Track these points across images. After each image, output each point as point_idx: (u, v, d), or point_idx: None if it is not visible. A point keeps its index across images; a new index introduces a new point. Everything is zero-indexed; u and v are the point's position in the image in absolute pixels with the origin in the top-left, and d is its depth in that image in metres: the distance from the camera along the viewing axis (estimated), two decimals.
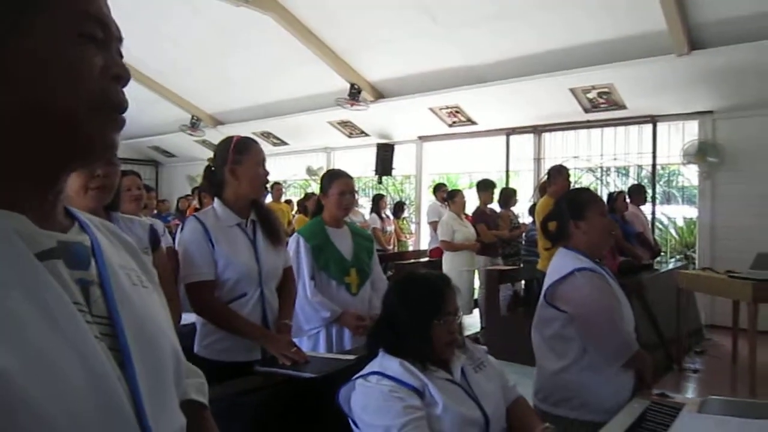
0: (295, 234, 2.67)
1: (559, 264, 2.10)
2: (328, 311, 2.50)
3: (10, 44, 0.54)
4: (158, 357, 0.65)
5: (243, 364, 2.01)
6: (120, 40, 0.64)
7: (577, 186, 6.49)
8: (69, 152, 0.59)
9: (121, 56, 0.64)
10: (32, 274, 0.53)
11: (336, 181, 2.67)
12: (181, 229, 2.29)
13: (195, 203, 7.87)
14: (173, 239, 3.66)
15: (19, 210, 0.56)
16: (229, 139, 2.19)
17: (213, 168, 2.21)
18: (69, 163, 0.61)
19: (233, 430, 1.63)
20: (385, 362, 1.55)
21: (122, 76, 0.62)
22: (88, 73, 0.58)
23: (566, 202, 2.20)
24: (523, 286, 6.40)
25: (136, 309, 0.64)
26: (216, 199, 2.18)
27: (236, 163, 2.11)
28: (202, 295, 2.05)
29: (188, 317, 2.31)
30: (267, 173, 2.20)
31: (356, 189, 2.91)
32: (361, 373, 1.56)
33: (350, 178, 2.75)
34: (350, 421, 1.56)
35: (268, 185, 2.31)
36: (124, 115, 0.63)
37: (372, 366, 1.56)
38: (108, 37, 0.61)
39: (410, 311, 1.59)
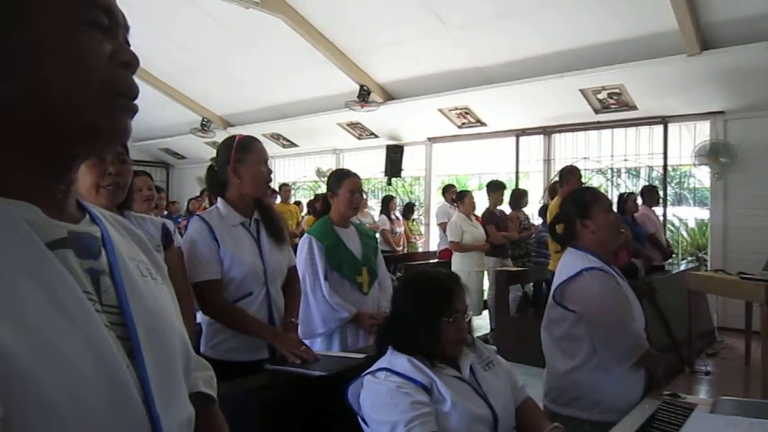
0: (306, 235, 2.67)
1: (567, 264, 2.09)
2: (346, 312, 2.52)
3: (12, 34, 0.54)
4: (167, 347, 0.65)
5: (250, 364, 2.02)
6: (127, 28, 0.64)
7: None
8: (81, 140, 0.59)
9: (129, 44, 0.63)
10: (42, 262, 0.54)
11: (346, 180, 2.68)
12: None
13: (205, 204, 7.91)
14: None
15: (30, 200, 0.56)
16: (231, 139, 2.20)
17: (216, 167, 2.21)
18: (81, 151, 0.61)
19: (242, 428, 1.63)
20: (394, 359, 1.55)
21: (131, 62, 0.61)
22: (95, 61, 0.58)
23: (571, 202, 2.19)
24: (531, 288, 6.37)
25: (146, 300, 0.64)
26: (219, 199, 2.18)
27: (239, 162, 2.12)
28: (210, 294, 2.05)
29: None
30: (270, 172, 2.20)
31: (365, 190, 2.92)
32: (369, 370, 1.56)
33: (358, 177, 2.76)
34: (359, 419, 1.56)
35: (277, 186, 2.31)
36: (134, 117, 0.63)
37: (380, 363, 1.56)
38: (114, 24, 0.61)
39: (419, 309, 1.60)
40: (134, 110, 0.62)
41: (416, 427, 1.38)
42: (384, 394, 1.47)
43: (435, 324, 1.57)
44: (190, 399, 0.70)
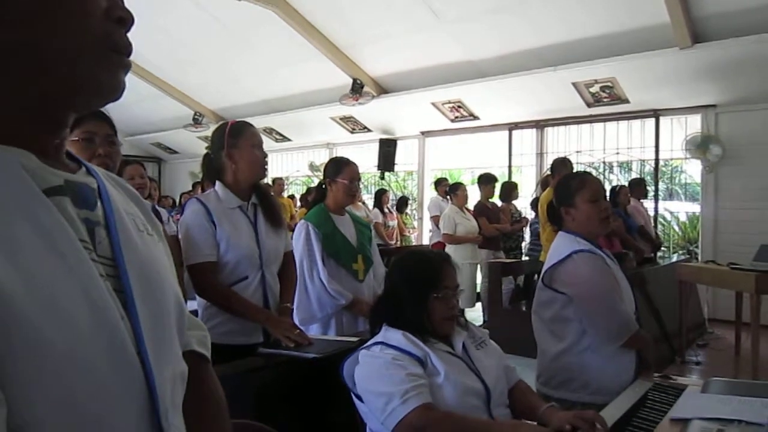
0: (303, 221, 2.66)
1: (557, 247, 2.11)
2: (343, 299, 2.53)
3: None
4: (161, 301, 0.65)
5: (246, 347, 2.02)
6: None
7: None
8: (74, 92, 0.59)
9: (122, 0, 0.63)
10: (39, 208, 0.54)
11: (346, 167, 2.68)
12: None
13: None
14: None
15: (26, 149, 0.56)
16: (224, 125, 2.20)
17: (211, 154, 2.21)
18: (76, 103, 0.61)
19: (236, 409, 1.63)
20: (388, 333, 1.58)
21: (125, 18, 0.61)
22: (91, 14, 0.58)
23: (559, 187, 2.22)
24: (523, 279, 6.40)
25: (141, 253, 0.64)
26: (217, 182, 2.18)
27: (232, 147, 2.12)
28: (205, 276, 2.05)
29: (190, 305, 2.32)
30: (265, 155, 2.19)
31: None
32: (364, 345, 1.58)
33: (357, 166, 2.76)
34: (353, 396, 1.57)
35: (270, 181, 2.31)
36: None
37: (375, 339, 1.58)
38: None
39: (410, 285, 1.62)
40: (128, 66, 0.63)
41: (412, 398, 1.39)
42: (380, 367, 1.48)
43: (425, 299, 1.59)
44: (183, 356, 0.70)
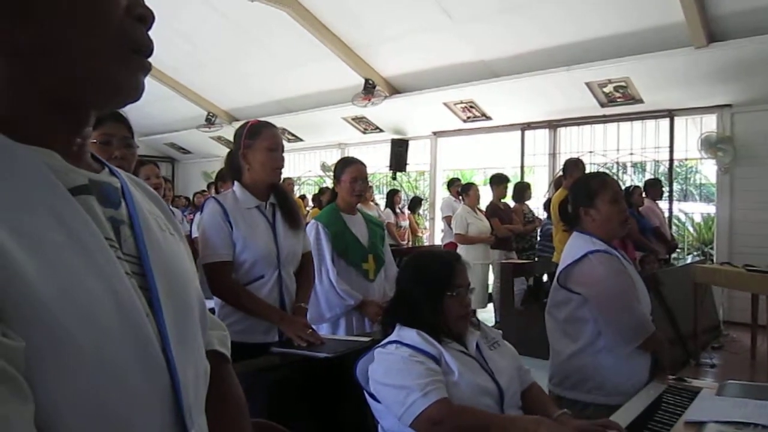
0: (313, 221, 2.68)
1: (572, 248, 2.09)
2: (352, 299, 2.54)
3: None
4: (184, 300, 0.65)
5: (261, 346, 2.04)
6: None
7: None
8: (94, 92, 0.59)
9: None
10: (65, 206, 0.54)
11: (348, 167, 2.70)
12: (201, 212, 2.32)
13: None
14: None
15: (50, 149, 0.56)
16: (245, 124, 2.22)
17: (232, 153, 2.24)
18: (95, 103, 0.61)
19: (249, 407, 1.64)
20: (403, 332, 1.58)
21: (146, 16, 0.61)
22: (112, 13, 0.58)
23: (579, 187, 2.19)
24: (533, 280, 6.37)
25: (164, 252, 0.65)
26: (236, 183, 2.20)
27: (247, 148, 2.14)
28: (220, 275, 2.07)
29: (207, 303, 2.33)
30: (281, 158, 2.19)
31: (371, 184, 2.93)
32: (378, 344, 1.59)
33: (362, 164, 2.77)
34: (366, 395, 1.57)
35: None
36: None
37: (390, 338, 1.59)
38: None
39: (423, 285, 1.63)
40: (148, 68, 0.62)
41: (432, 392, 1.40)
42: (397, 362, 1.49)
43: (439, 298, 1.60)
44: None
